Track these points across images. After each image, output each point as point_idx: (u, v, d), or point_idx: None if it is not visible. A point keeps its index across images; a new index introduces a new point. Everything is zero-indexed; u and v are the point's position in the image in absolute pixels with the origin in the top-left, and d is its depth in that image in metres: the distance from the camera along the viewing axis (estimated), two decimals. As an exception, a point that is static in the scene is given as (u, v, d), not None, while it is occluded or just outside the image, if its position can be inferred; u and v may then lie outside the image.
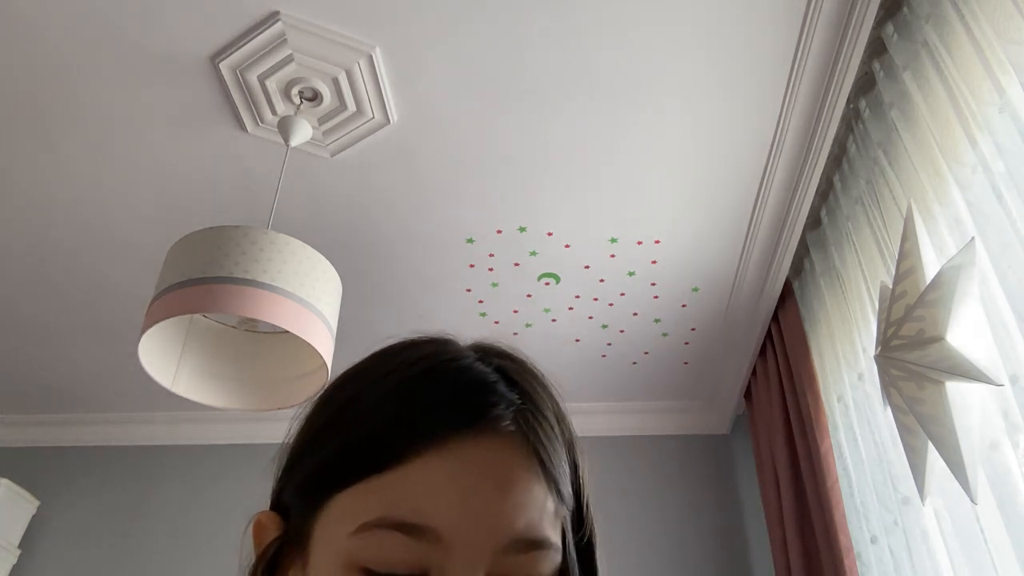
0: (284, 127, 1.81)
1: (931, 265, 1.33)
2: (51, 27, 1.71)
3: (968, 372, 1.18)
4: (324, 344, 1.50)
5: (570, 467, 0.49)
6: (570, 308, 2.50)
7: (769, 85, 1.78)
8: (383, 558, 0.42)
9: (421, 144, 1.95)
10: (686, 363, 2.77)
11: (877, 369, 1.43)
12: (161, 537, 2.94)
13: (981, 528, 1.30)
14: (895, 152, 1.59)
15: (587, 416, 2.88)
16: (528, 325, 2.58)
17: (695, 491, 2.87)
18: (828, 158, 1.92)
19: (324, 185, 2.09)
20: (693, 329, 2.59)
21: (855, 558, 1.79)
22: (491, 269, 2.35)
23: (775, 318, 2.44)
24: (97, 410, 3.15)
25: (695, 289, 2.41)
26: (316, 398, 0.53)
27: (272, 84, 1.81)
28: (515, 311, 2.52)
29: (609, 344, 2.66)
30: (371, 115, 1.86)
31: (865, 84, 1.74)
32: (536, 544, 0.45)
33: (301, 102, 1.84)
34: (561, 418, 0.50)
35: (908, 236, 1.37)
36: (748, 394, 2.78)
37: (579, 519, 0.50)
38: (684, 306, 2.48)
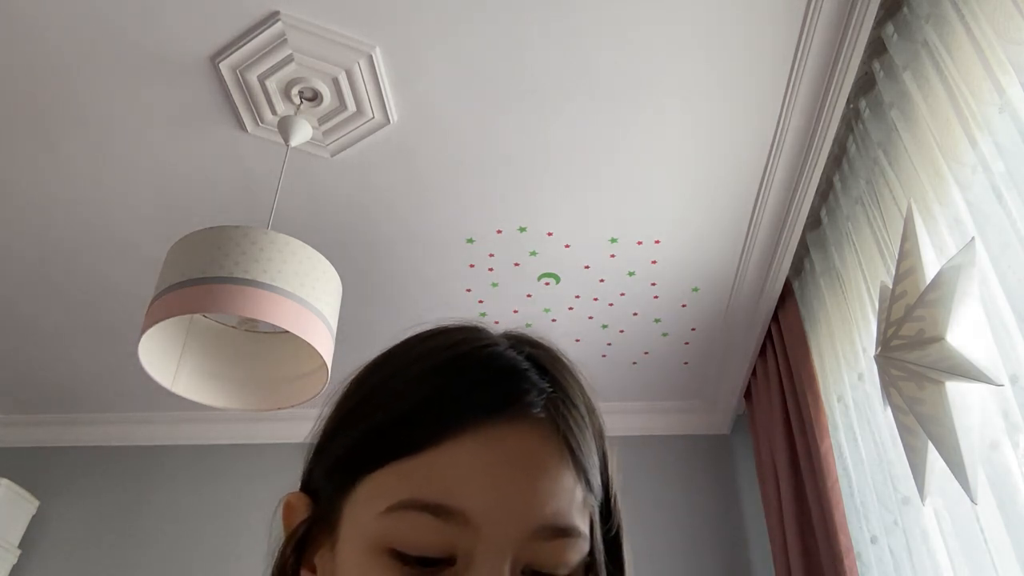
0: (284, 127, 1.81)
1: (931, 265, 1.33)
2: (51, 27, 1.71)
3: (968, 372, 1.18)
4: (324, 344, 1.50)
5: (599, 458, 0.49)
6: (570, 308, 2.50)
7: (769, 85, 1.78)
8: (411, 539, 0.43)
9: (421, 144, 1.95)
10: (686, 363, 2.77)
11: (877, 369, 1.43)
12: (161, 537, 2.94)
13: (981, 528, 1.30)
14: (895, 152, 1.59)
15: (587, 416, 2.88)
16: (528, 325, 2.57)
17: (695, 491, 2.87)
18: (828, 158, 1.92)
19: (324, 185, 2.09)
20: (693, 329, 2.59)
21: (855, 558, 1.79)
22: (491, 269, 2.35)
23: (775, 318, 2.44)
24: (97, 410, 3.15)
25: (695, 289, 2.41)
26: (347, 381, 0.53)
27: (272, 84, 1.81)
28: (515, 311, 2.52)
29: (609, 344, 2.66)
30: (371, 115, 1.86)
31: (865, 84, 1.74)
32: (564, 532, 0.45)
33: (301, 102, 1.84)
34: (591, 409, 0.50)
35: (908, 236, 1.36)
36: (748, 394, 2.78)
37: (607, 511, 0.50)
38: (684, 306, 2.48)
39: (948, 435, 1.21)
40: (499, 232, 2.21)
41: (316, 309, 1.48)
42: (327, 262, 1.56)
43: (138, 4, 1.65)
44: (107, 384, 2.97)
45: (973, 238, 1.24)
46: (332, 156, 1.99)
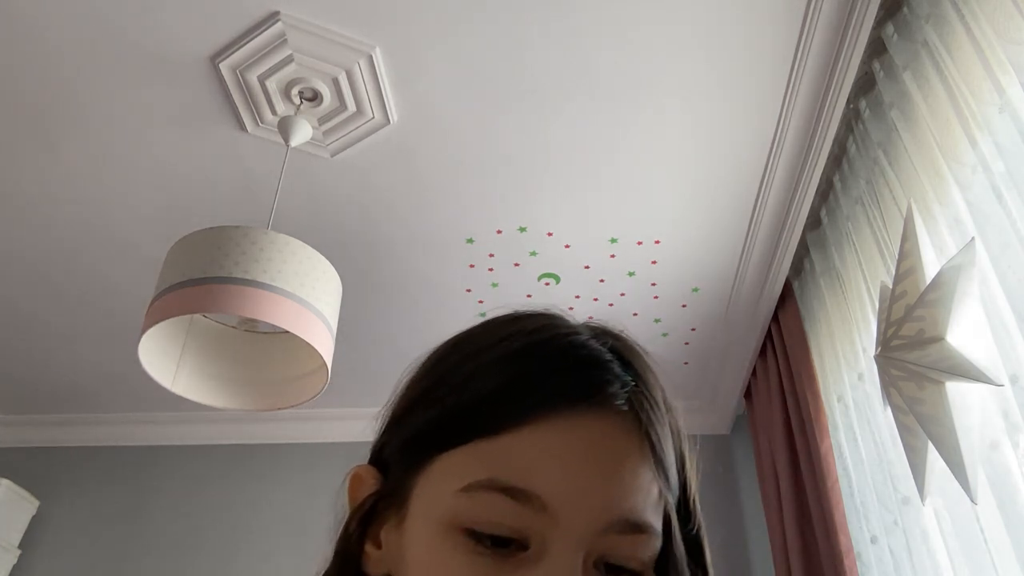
0: (284, 127, 1.81)
1: (931, 265, 1.33)
2: (51, 27, 1.71)
3: (968, 372, 1.18)
4: (324, 344, 1.50)
5: (676, 455, 0.49)
6: (570, 308, 2.48)
7: (769, 85, 1.78)
8: (487, 519, 0.42)
9: (421, 144, 1.95)
10: (686, 363, 2.77)
11: (877, 369, 1.42)
12: (161, 537, 2.94)
13: (981, 528, 1.30)
14: (895, 152, 1.58)
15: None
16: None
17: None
18: (828, 158, 1.92)
19: (324, 185, 2.09)
20: (693, 329, 2.59)
21: (855, 558, 1.79)
22: (491, 269, 2.35)
23: (775, 318, 2.44)
24: (97, 410, 3.15)
25: (695, 289, 2.41)
26: (423, 358, 0.53)
27: (272, 84, 1.81)
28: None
29: (609, 344, 2.66)
30: (371, 115, 1.86)
31: (865, 84, 1.74)
32: (638, 528, 0.44)
33: (301, 102, 1.84)
34: (670, 407, 0.50)
35: (908, 236, 1.36)
36: (748, 394, 2.78)
37: (685, 511, 0.49)
38: (684, 306, 2.48)
39: (948, 435, 1.21)
40: (499, 232, 2.21)
41: (316, 309, 1.48)
42: (327, 262, 1.56)
43: (138, 4, 1.65)
44: (107, 384, 2.97)
45: (973, 238, 1.24)
46: (332, 156, 1.99)
